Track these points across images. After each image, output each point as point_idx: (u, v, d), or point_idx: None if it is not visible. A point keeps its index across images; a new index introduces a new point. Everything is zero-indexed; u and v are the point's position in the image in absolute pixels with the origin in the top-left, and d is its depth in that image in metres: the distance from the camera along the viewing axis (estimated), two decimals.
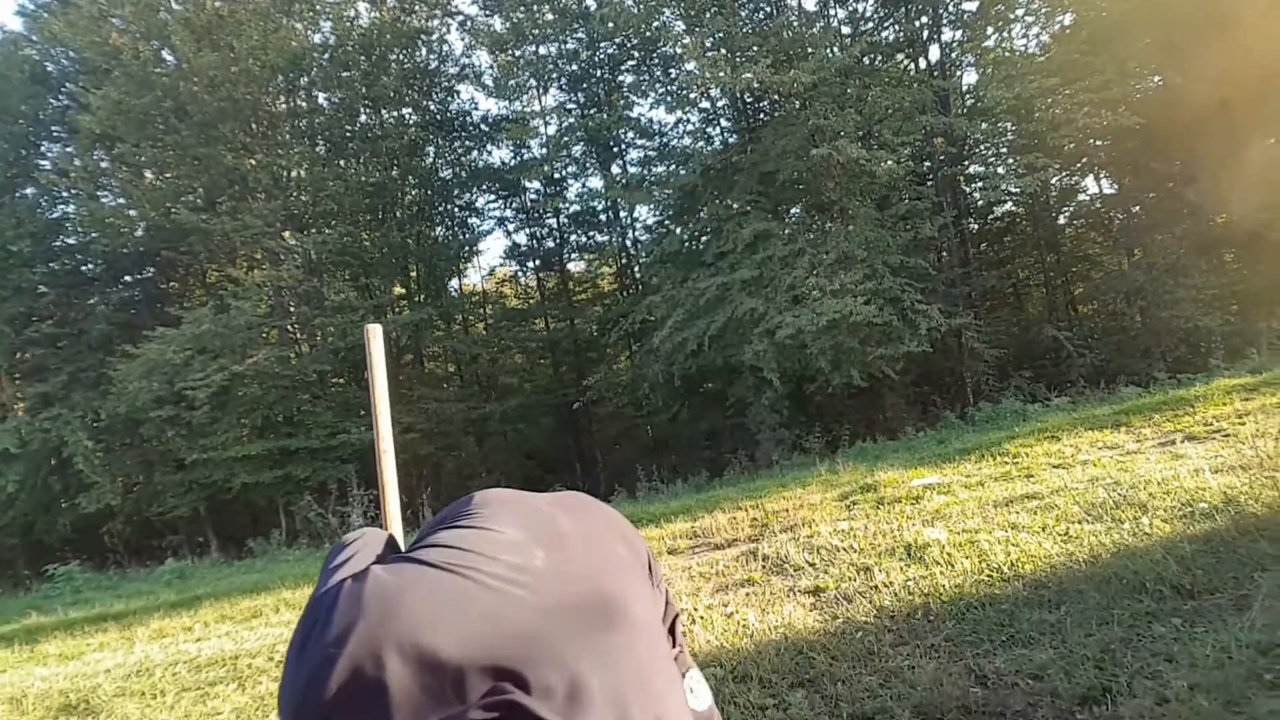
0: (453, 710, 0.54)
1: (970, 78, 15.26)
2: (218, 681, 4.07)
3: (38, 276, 14.84)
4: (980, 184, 14.36)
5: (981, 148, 14.54)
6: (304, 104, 15.97)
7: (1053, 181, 14.29)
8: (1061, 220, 16.50)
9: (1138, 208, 14.71)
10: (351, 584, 0.61)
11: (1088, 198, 16.19)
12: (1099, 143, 13.76)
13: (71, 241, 15.94)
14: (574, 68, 16.17)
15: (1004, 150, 14.31)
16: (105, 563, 13.27)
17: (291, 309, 14.28)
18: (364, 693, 0.54)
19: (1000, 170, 13.76)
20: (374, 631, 0.56)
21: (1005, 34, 14.54)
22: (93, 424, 13.68)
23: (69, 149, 15.15)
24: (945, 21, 14.48)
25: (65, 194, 15.34)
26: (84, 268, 16.20)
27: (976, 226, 15.98)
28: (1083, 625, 2.77)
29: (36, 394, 14.29)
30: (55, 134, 15.75)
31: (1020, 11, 13.77)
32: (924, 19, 14.23)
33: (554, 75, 16.25)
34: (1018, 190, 13.39)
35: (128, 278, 16.50)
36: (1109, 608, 2.87)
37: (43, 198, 15.62)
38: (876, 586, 3.80)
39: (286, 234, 14.42)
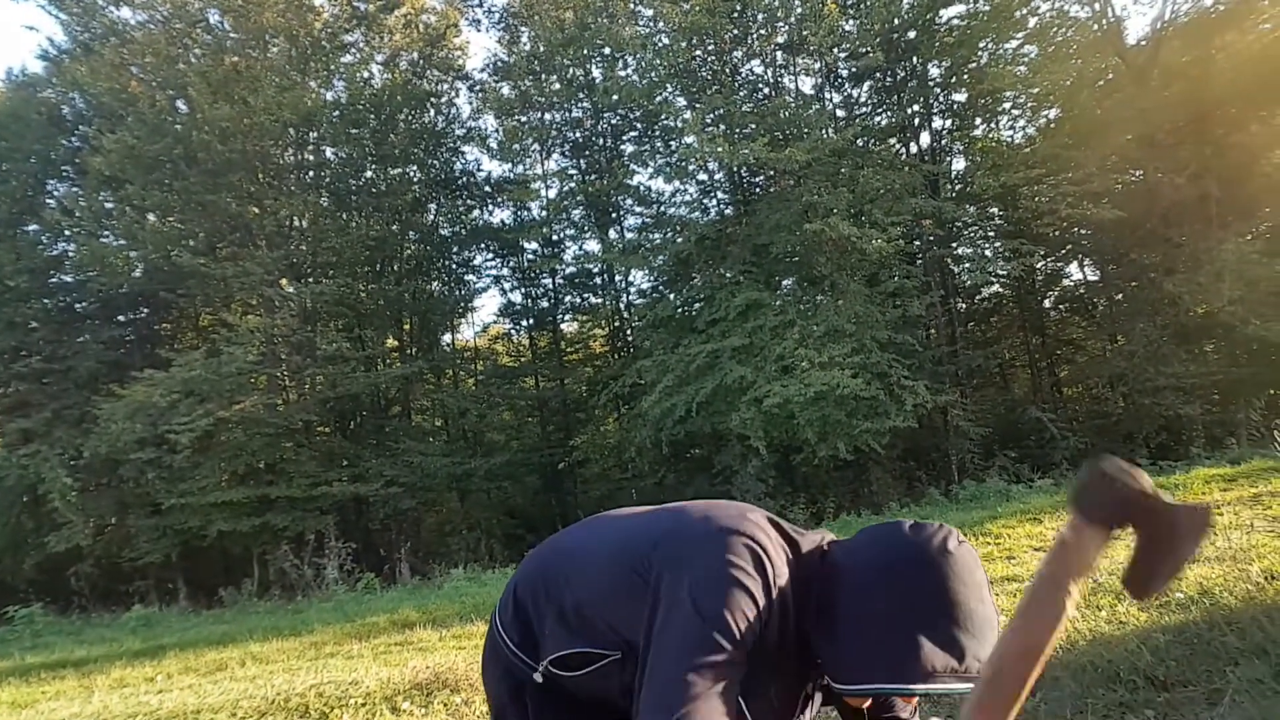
0: None
1: (959, 164, 15.83)
2: None
3: (32, 312, 14.86)
4: (968, 265, 14.73)
5: (969, 231, 14.96)
6: (311, 157, 16.35)
7: (1038, 266, 14.67)
8: (1047, 304, 16.86)
9: (1120, 295, 15.07)
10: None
11: (1072, 283, 16.60)
12: (1082, 231, 14.19)
13: (69, 279, 16.01)
14: (577, 135, 16.70)
15: (991, 234, 14.72)
16: (69, 606, 12.89)
17: (283, 357, 14.30)
18: None
19: (988, 253, 14.13)
20: None
21: (993, 125, 15.16)
22: (71, 462, 13.49)
23: (76, 189, 15.38)
24: (936, 110, 15.12)
25: (68, 232, 15.50)
26: (78, 305, 16.23)
27: (964, 306, 16.30)
28: (1058, 714, 2.76)
29: (17, 429, 14.11)
30: (64, 174, 16.01)
31: (1008, 105, 14.40)
32: (915, 107, 14.85)
33: (557, 141, 16.79)
34: (1004, 273, 13.74)
35: (121, 317, 16.53)
36: (1084, 696, 2.85)
37: (45, 235, 15.75)
38: None
39: (284, 282, 14.55)
